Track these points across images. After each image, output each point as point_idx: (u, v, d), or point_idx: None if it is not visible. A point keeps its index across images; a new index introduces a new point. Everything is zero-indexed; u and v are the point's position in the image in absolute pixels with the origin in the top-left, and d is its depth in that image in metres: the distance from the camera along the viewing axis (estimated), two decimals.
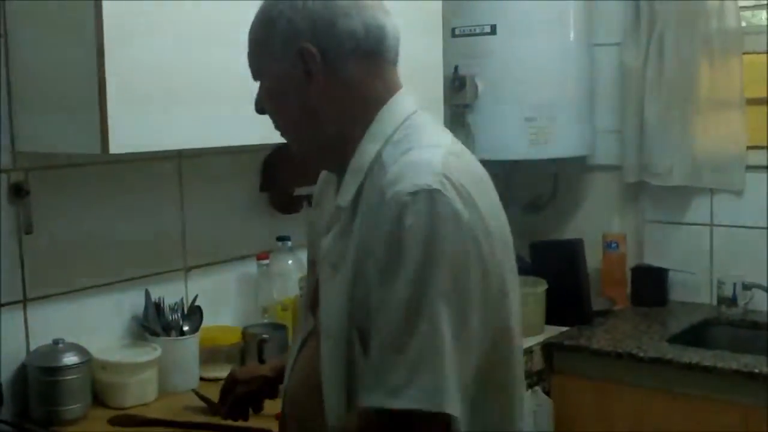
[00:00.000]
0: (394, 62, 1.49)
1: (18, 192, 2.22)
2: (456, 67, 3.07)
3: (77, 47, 1.98)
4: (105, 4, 1.93)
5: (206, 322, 2.52)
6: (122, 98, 1.97)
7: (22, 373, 2.24)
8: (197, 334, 2.48)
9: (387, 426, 1.28)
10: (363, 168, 1.42)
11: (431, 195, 1.29)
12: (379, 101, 1.44)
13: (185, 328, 2.47)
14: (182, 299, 2.53)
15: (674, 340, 2.81)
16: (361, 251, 1.36)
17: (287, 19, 1.41)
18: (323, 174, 1.63)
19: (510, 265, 1.43)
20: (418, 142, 1.40)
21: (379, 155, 1.41)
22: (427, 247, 1.27)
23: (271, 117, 1.52)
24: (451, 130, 3.04)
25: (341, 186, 1.45)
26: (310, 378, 1.46)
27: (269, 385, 1.80)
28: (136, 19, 1.98)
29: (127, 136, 1.99)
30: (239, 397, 1.81)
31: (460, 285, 1.30)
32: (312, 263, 1.63)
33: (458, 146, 1.45)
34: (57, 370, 2.20)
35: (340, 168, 1.47)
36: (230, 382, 1.82)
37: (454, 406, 1.27)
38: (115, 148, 1.97)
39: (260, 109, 1.52)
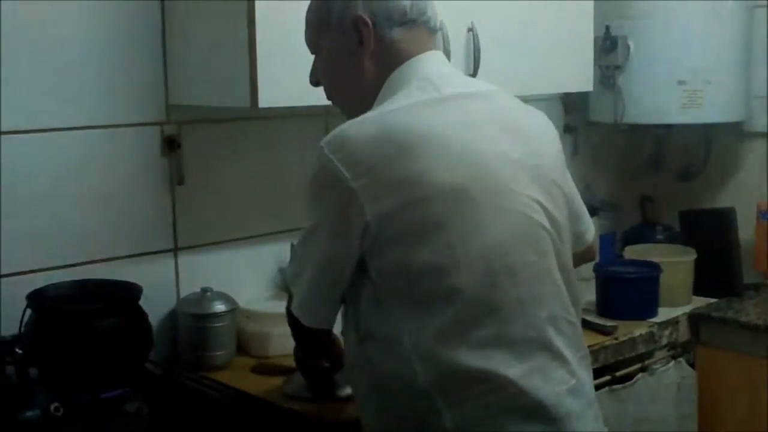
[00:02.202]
0: (433, 30, 1.67)
1: (171, 144, 2.30)
2: (607, 27, 2.99)
3: (230, 3, 2.03)
4: None
5: None
6: (272, 53, 2.01)
7: (172, 319, 2.34)
8: None
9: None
10: None
11: (318, 151, 1.52)
12: (406, 58, 1.62)
13: None
14: None
15: None
16: None
17: None
18: None
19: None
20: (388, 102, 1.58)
21: None
22: (308, 190, 1.56)
23: (325, 87, 1.71)
24: (599, 92, 3.01)
25: None
26: None
27: None
28: None
29: (276, 90, 2.02)
30: None
31: (320, 225, 1.55)
32: None
33: (401, 108, 1.54)
34: (205, 317, 2.28)
35: None
36: None
37: (301, 312, 1.61)
38: (264, 102, 2.01)
39: (315, 81, 1.72)
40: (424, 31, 1.64)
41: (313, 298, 1.60)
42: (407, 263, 1.49)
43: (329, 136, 1.53)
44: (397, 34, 1.61)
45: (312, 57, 1.72)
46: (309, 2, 1.70)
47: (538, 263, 1.57)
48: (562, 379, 1.57)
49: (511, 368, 1.50)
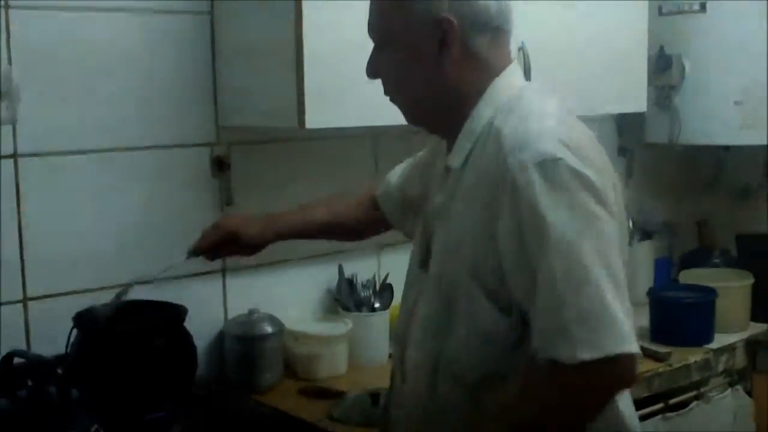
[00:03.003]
0: (511, 33, 1.56)
1: (220, 165, 2.31)
2: (662, 47, 2.95)
3: (277, 25, 2.03)
4: None
5: (397, 300, 2.53)
6: (319, 75, 2.00)
7: (219, 341, 2.34)
8: (388, 311, 2.49)
9: (579, 377, 1.32)
10: (475, 132, 1.51)
11: (556, 164, 1.37)
12: (495, 70, 1.53)
13: (376, 305, 2.50)
14: (374, 276, 2.56)
15: None
16: (481, 212, 1.44)
17: None
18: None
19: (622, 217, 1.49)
20: (530, 110, 1.48)
21: (491, 122, 1.49)
22: (564, 210, 1.35)
23: (388, 82, 1.58)
24: (654, 113, 2.95)
25: (453, 148, 1.54)
26: None
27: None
28: (334, 2, 2.00)
29: (323, 112, 2.02)
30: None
31: (603, 238, 1.36)
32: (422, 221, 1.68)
33: (566, 110, 1.51)
34: (252, 339, 2.27)
35: (449, 131, 1.56)
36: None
37: (634, 344, 1.32)
38: (311, 123, 2.01)
39: (374, 74, 1.58)
40: (507, 40, 1.56)
41: (625, 317, 1.34)
42: None
43: (554, 143, 1.39)
44: (482, 43, 1.51)
45: (362, 52, 1.60)
46: None
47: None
48: None
49: None
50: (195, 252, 1.92)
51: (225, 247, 1.92)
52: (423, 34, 1.49)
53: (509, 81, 1.54)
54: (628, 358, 1.32)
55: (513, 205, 1.38)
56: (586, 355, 1.29)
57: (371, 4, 1.57)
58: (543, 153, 1.37)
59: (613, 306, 1.32)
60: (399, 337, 1.67)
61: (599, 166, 1.42)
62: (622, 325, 1.32)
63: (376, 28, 1.57)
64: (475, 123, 1.52)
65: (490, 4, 1.50)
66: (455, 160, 1.53)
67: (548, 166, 1.36)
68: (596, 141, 1.50)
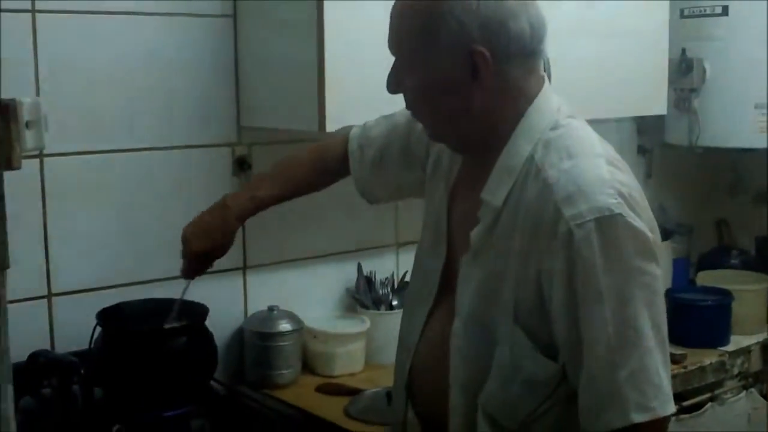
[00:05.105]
0: (544, 51, 1.46)
1: (241, 165, 2.34)
2: (683, 50, 2.95)
3: (299, 28, 2.06)
4: None
5: None
6: (341, 79, 2.03)
7: (239, 337, 2.37)
8: None
9: None
10: (515, 168, 1.42)
11: (614, 220, 1.31)
12: (530, 97, 1.45)
13: (394, 303, 2.52)
14: (393, 274, 2.59)
15: None
16: (524, 257, 1.38)
17: (457, 20, 1.37)
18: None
19: None
20: (575, 146, 1.41)
21: (531, 157, 1.41)
22: (620, 272, 1.31)
23: (411, 103, 1.50)
24: (674, 115, 2.94)
25: (490, 181, 1.45)
26: (439, 350, 1.52)
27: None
28: (355, 5, 2.02)
29: (344, 115, 2.04)
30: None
31: (654, 298, 1.34)
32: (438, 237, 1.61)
33: (608, 147, 1.45)
34: (271, 336, 2.31)
35: (476, 156, 1.50)
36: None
37: (672, 404, 1.35)
38: (331, 127, 2.03)
39: (395, 90, 1.49)
40: (539, 60, 1.45)
41: (667, 377, 1.35)
42: None
43: (611, 195, 1.32)
44: (515, 70, 1.41)
45: (386, 64, 1.50)
46: (399, 3, 1.46)
47: None
48: None
49: None
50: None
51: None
52: (451, 67, 1.39)
53: (545, 107, 1.45)
54: (667, 419, 1.34)
55: (567, 259, 1.32)
56: (638, 417, 1.30)
57: (391, 21, 1.46)
58: (600, 208, 1.32)
59: (659, 367, 1.32)
60: (407, 346, 1.64)
61: (646, 210, 1.38)
62: (667, 387, 1.33)
63: (397, 50, 1.47)
64: (513, 158, 1.43)
65: (524, 29, 1.38)
66: (495, 197, 1.43)
67: (606, 222, 1.31)
68: (631, 172, 1.43)
